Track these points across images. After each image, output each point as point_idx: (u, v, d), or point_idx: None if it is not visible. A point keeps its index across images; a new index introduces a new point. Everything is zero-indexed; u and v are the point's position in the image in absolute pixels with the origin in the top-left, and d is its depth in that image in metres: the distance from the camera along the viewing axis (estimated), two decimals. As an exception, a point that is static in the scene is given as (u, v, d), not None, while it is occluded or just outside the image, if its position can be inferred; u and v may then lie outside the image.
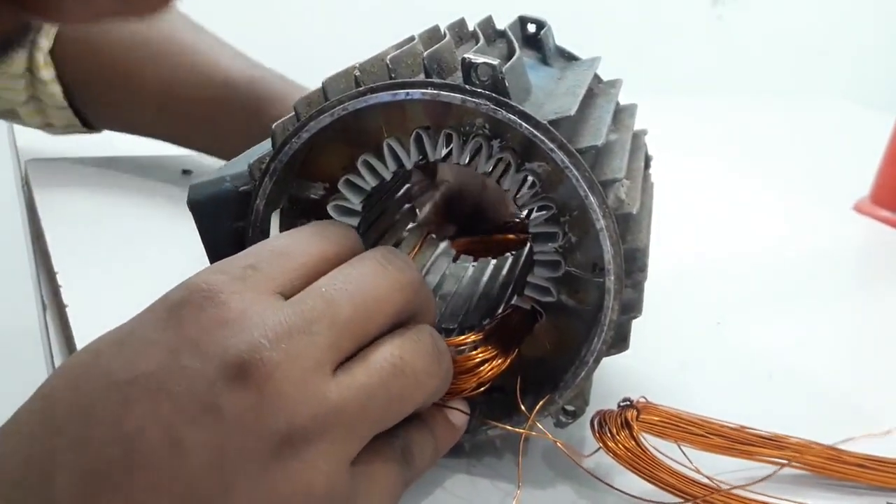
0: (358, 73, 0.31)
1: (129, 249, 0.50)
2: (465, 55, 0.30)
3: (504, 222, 0.47)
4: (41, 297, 0.49)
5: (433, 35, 0.37)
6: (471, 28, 0.39)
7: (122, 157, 0.62)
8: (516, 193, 0.32)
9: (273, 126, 0.32)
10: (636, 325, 0.33)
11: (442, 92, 0.29)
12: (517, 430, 0.33)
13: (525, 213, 0.34)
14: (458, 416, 0.32)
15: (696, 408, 0.34)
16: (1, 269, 0.90)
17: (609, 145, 0.32)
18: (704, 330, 0.48)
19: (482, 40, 0.34)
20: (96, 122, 0.60)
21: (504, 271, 0.41)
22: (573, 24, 1.42)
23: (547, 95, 0.33)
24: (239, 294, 0.26)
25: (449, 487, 0.33)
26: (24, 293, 0.59)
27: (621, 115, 0.38)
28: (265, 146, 0.35)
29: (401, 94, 0.30)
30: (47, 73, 0.56)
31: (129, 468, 0.24)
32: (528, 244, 0.44)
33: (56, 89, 0.57)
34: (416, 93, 0.30)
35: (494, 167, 0.32)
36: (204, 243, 0.34)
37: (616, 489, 0.32)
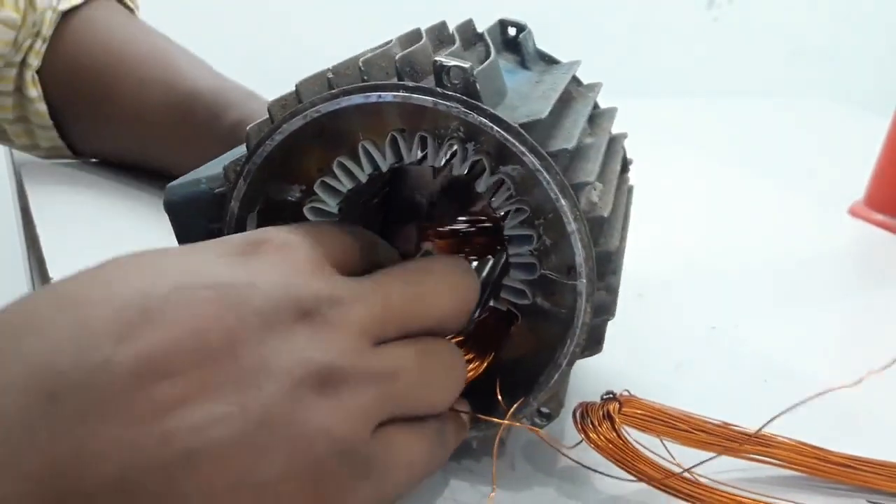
0: (331, 76, 0.31)
1: (124, 253, 0.50)
2: (437, 58, 0.30)
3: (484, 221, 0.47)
4: None
5: (412, 38, 0.37)
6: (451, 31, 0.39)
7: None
8: (491, 196, 0.33)
9: (248, 128, 0.32)
10: (630, 329, 0.33)
11: (413, 94, 0.29)
12: (499, 420, 0.33)
13: (500, 215, 0.34)
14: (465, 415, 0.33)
15: (690, 411, 0.34)
16: None
17: (583, 149, 0.32)
18: (699, 334, 0.48)
19: (458, 43, 0.34)
20: (79, 144, 0.61)
21: (483, 273, 0.41)
22: (568, 26, 1.43)
23: (522, 99, 0.33)
24: (310, 253, 0.29)
25: (427, 493, 0.33)
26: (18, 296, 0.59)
27: (599, 118, 0.38)
28: (241, 149, 0.35)
29: (373, 96, 0.30)
30: (34, 91, 0.58)
31: (197, 362, 0.25)
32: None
33: (42, 107, 0.58)
34: (387, 95, 0.30)
35: (470, 170, 0.32)
36: (179, 244, 0.34)
37: (602, 473, 0.33)
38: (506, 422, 0.32)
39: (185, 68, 0.57)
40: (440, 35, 0.39)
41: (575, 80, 0.40)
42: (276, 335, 0.26)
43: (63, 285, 0.27)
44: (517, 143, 0.29)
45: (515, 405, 0.32)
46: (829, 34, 1.66)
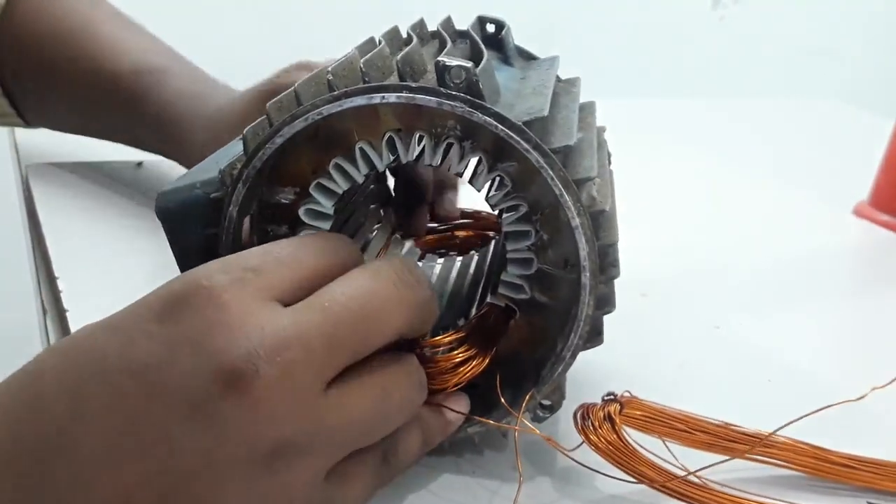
0: (331, 78, 0.31)
1: (129, 255, 0.50)
2: (439, 58, 0.30)
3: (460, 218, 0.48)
4: (42, 302, 0.48)
5: (394, 36, 0.37)
6: (430, 29, 0.40)
7: (122, 162, 0.62)
8: (488, 193, 0.33)
9: (245, 131, 0.32)
10: (633, 328, 0.34)
11: (417, 95, 0.30)
12: (508, 426, 0.33)
13: (497, 212, 0.34)
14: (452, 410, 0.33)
15: (694, 411, 0.34)
16: (2, 274, 0.90)
17: (578, 144, 0.33)
18: (703, 334, 0.48)
19: (449, 42, 0.34)
20: (27, 114, 0.60)
21: (472, 269, 0.42)
22: (574, 26, 1.43)
23: (515, 96, 0.34)
24: (239, 297, 0.25)
25: (434, 488, 0.34)
26: (25, 298, 0.60)
27: (583, 113, 0.39)
28: (232, 150, 0.35)
29: (376, 97, 0.30)
30: None
31: (118, 462, 0.24)
32: (493, 240, 0.45)
33: None
34: (391, 96, 0.30)
35: (466, 168, 0.32)
36: (174, 251, 0.34)
37: (605, 474, 0.33)
38: (517, 427, 0.33)
39: (114, 45, 0.55)
40: (421, 33, 0.39)
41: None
42: (208, 420, 0.24)
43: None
44: (521, 141, 0.30)
45: (526, 398, 0.33)
46: (834, 34, 1.66)
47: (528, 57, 0.42)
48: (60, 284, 0.45)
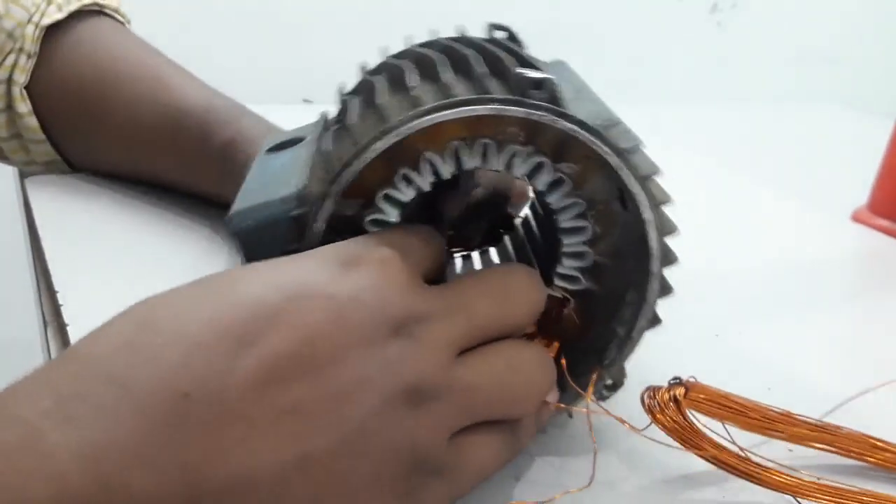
0: (416, 94, 0.32)
1: (130, 267, 0.49)
2: (518, 70, 0.32)
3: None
4: (42, 315, 0.47)
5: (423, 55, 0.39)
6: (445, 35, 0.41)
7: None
8: (547, 193, 0.35)
9: (326, 148, 0.33)
10: None
11: (506, 107, 0.32)
12: (579, 408, 0.36)
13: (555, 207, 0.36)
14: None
15: (695, 420, 0.35)
16: (2, 286, 0.88)
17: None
18: (702, 341, 0.49)
19: (504, 53, 0.36)
20: (74, 158, 0.60)
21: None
22: (570, 31, 1.42)
23: (568, 102, 0.36)
24: (403, 266, 0.30)
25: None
26: (25, 311, 0.59)
27: None
28: (297, 166, 0.35)
29: (466, 111, 0.32)
30: (24, 106, 0.57)
31: (307, 371, 0.27)
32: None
33: (33, 122, 0.57)
34: (481, 109, 0.32)
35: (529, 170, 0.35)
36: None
37: (667, 445, 0.35)
38: (587, 410, 0.35)
39: (176, 84, 0.56)
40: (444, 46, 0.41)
41: None
42: (373, 350, 0.28)
43: (188, 291, 0.29)
44: (601, 145, 0.32)
45: (593, 378, 0.36)
46: (832, 38, 1.65)
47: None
48: (60, 298, 0.45)
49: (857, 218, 0.70)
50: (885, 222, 0.68)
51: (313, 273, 0.29)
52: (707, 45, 1.59)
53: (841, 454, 0.37)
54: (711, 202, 0.73)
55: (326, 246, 0.32)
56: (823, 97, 1.27)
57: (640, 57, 1.53)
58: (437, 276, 0.34)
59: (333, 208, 0.33)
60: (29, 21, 0.56)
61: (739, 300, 0.55)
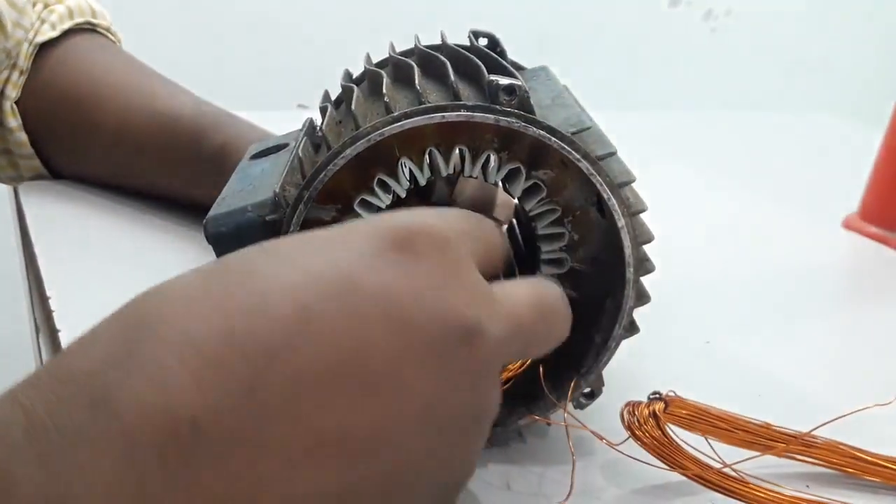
0: (387, 100, 0.32)
1: (122, 272, 0.49)
2: (491, 77, 0.32)
3: None
4: (34, 320, 0.47)
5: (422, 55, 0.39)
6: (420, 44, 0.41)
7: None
8: (523, 199, 0.35)
9: (297, 154, 0.33)
10: (624, 343, 0.35)
11: (475, 113, 0.32)
12: (555, 422, 0.35)
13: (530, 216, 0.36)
14: None
15: (674, 436, 0.35)
16: None
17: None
18: (693, 348, 0.48)
19: (478, 61, 0.36)
20: (63, 171, 0.60)
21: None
22: (563, 38, 1.42)
23: (542, 108, 0.36)
24: (463, 254, 0.26)
25: (485, 476, 0.36)
26: (17, 316, 0.60)
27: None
28: (276, 172, 0.35)
29: (436, 117, 0.32)
30: (14, 121, 0.57)
31: (339, 387, 0.22)
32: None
33: (22, 137, 0.58)
34: (451, 115, 0.32)
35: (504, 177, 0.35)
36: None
37: (647, 464, 0.35)
38: (565, 423, 0.35)
39: (166, 93, 0.57)
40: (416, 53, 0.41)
41: None
42: (441, 368, 0.23)
43: (196, 283, 0.24)
44: (572, 151, 0.32)
45: (571, 388, 0.35)
46: (824, 46, 1.65)
47: (519, 68, 0.45)
48: (52, 304, 0.45)
49: (848, 225, 0.70)
50: (875, 229, 0.68)
51: (365, 264, 0.24)
52: (701, 52, 1.59)
53: (822, 465, 0.37)
54: (702, 209, 0.73)
55: (367, 218, 0.28)
56: (815, 104, 1.28)
57: (633, 63, 1.53)
58: (496, 271, 0.30)
59: (307, 214, 0.33)
60: (25, 39, 0.57)
61: (730, 307, 0.55)
